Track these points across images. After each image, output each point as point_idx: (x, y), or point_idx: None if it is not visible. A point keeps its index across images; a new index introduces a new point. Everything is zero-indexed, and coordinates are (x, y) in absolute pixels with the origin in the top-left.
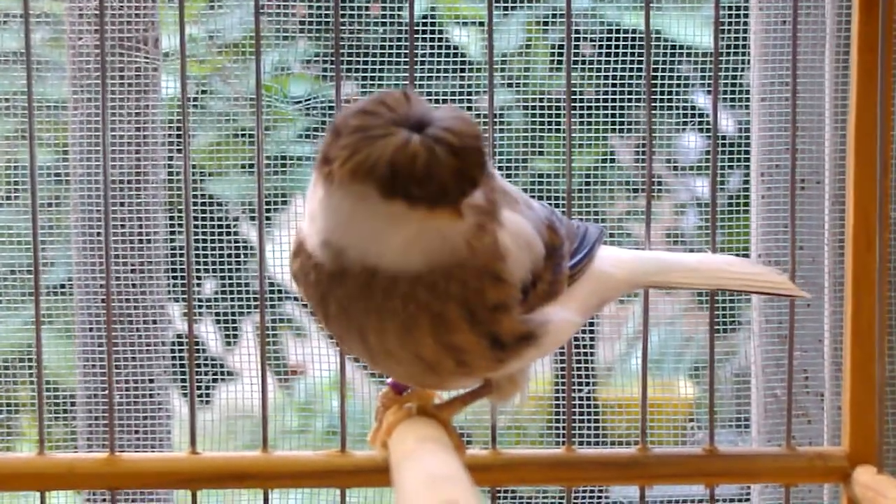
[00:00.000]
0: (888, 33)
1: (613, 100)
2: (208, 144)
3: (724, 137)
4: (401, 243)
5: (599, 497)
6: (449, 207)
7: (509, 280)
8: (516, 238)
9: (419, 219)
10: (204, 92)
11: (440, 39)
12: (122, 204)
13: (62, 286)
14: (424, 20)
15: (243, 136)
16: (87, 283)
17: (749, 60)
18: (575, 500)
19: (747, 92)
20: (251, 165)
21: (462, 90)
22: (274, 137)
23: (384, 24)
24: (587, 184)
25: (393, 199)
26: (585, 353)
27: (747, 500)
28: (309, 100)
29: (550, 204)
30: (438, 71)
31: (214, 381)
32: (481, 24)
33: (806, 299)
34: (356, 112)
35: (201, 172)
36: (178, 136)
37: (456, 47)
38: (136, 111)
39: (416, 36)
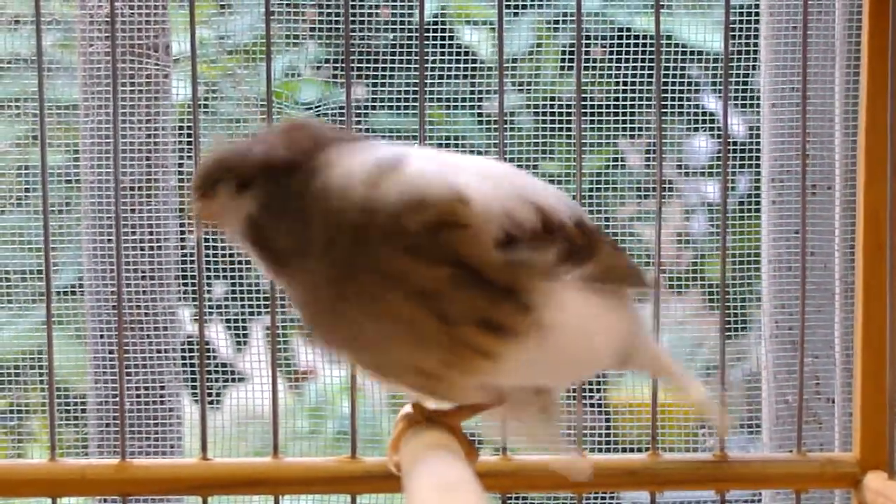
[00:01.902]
0: None
1: (623, 103)
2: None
3: (734, 141)
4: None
5: (610, 502)
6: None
7: (440, 199)
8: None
9: None
10: (214, 95)
11: (450, 43)
12: (132, 210)
13: (72, 289)
14: (434, 24)
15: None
16: (98, 289)
17: (759, 64)
18: None
19: (758, 95)
20: None
21: (472, 93)
22: None
23: (394, 28)
24: (597, 187)
25: None
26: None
27: None
28: (319, 105)
29: None
30: (448, 74)
31: (225, 385)
32: (491, 27)
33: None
34: None
35: None
36: (189, 140)
37: (466, 51)
38: (147, 117)
39: (425, 40)
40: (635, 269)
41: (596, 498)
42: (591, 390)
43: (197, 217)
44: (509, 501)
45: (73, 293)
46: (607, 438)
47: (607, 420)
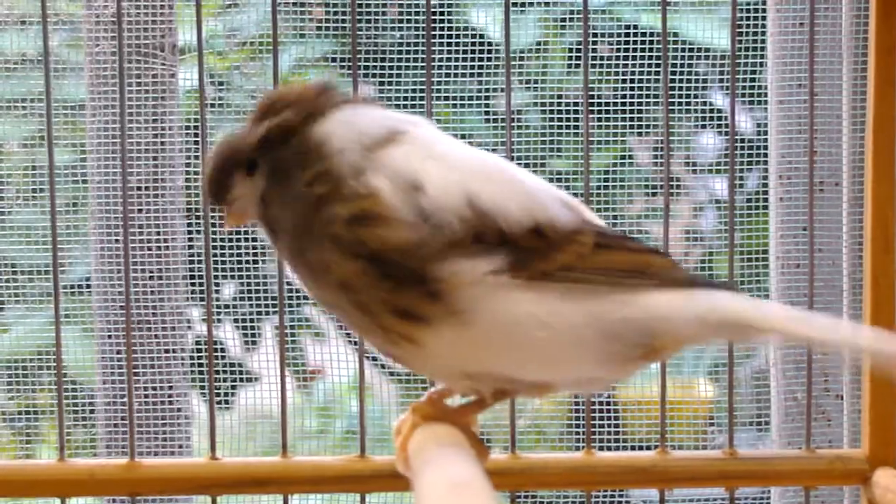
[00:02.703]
0: None
1: (631, 100)
2: None
3: (742, 138)
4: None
5: (619, 500)
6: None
7: (363, 194)
8: (391, 174)
9: None
10: (222, 88)
11: (458, 42)
12: (140, 210)
13: (80, 285)
14: (441, 21)
15: None
16: (105, 288)
17: (767, 61)
18: (595, 503)
19: (765, 92)
20: None
21: (479, 91)
22: None
23: (401, 26)
24: (605, 184)
25: None
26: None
27: (767, 502)
28: None
29: None
30: (456, 72)
31: (234, 384)
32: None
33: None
34: None
35: None
36: (196, 139)
37: (473, 49)
38: (154, 117)
39: (433, 37)
40: (648, 265)
41: (605, 495)
42: None
43: (227, 222)
44: (518, 499)
45: (83, 290)
46: (616, 436)
47: (616, 417)
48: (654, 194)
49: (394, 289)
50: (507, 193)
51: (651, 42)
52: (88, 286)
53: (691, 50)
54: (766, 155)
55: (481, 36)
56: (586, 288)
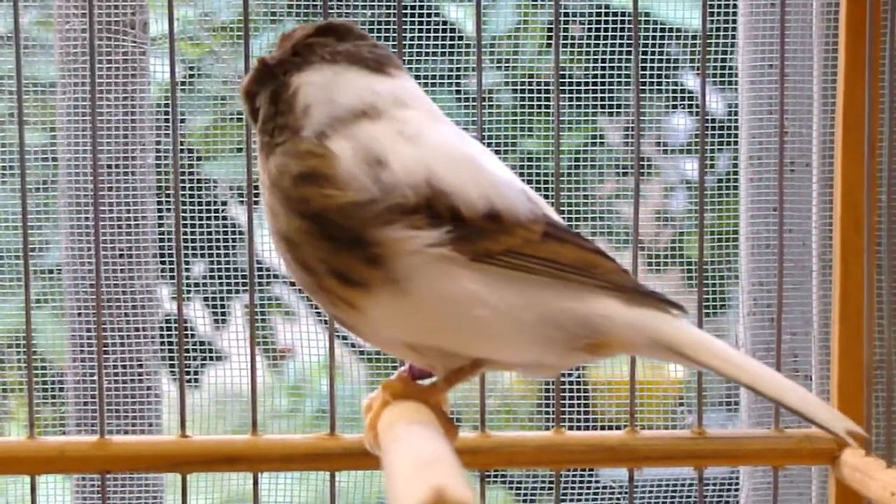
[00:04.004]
0: (876, 16)
1: (602, 80)
2: (201, 127)
3: (712, 119)
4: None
5: (588, 479)
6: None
7: (318, 153)
8: (354, 146)
9: None
10: (194, 73)
11: (429, 20)
12: (110, 188)
13: (53, 270)
14: (412, 0)
15: (236, 119)
16: (76, 267)
17: (737, 42)
18: (564, 482)
19: (736, 73)
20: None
21: (451, 71)
22: None
23: (373, 4)
24: (576, 164)
25: None
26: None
27: (736, 482)
28: None
29: (539, 185)
30: (427, 52)
31: (203, 363)
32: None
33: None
34: None
35: (195, 156)
36: (167, 114)
37: (445, 28)
38: (125, 95)
39: (404, 16)
40: (593, 265)
41: (574, 474)
42: (569, 368)
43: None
44: (488, 478)
45: (56, 274)
46: (586, 416)
47: (586, 398)
48: (624, 175)
49: (333, 249)
50: (468, 178)
51: (623, 23)
52: (59, 271)
53: (663, 31)
54: (736, 136)
55: (453, 23)
56: (528, 274)
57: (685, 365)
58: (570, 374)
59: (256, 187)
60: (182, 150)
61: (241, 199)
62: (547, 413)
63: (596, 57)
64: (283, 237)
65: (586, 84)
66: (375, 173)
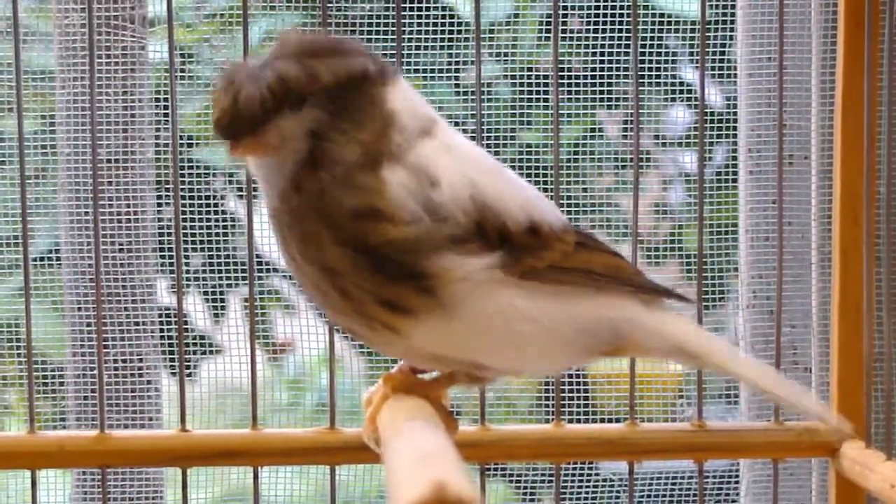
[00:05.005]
0: (875, 8)
1: (601, 73)
2: (195, 114)
3: (711, 111)
4: (264, 191)
5: (588, 472)
6: (230, 144)
7: (374, 187)
8: (413, 168)
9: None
10: (191, 60)
11: (427, 13)
12: (110, 182)
13: (48, 256)
14: None
15: None
16: (75, 261)
17: (736, 34)
18: (564, 476)
19: (735, 65)
20: None
21: (450, 63)
22: None
23: None
24: (574, 156)
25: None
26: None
27: (736, 474)
28: None
29: (538, 177)
30: (426, 44)
31: (203, 356)
32: None
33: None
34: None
35: (189, 142)
36: (166, 107)
37: (444, 20)
38: (124, 89)
39: (403, 7)
40: (619, 269)
41: (574, 468)
42: None
43: (249, 150)
44: (488, 471)
45: (50, 262)
46: (586, 409)
47: (586, 391)
48: (623, 167)
49: (384, 282)
50: (506, 191)
51: (622, 14)
52: (56, 258)
53: (661, 22)
54: (735, 128)
55: (451, 8)
56: (567, 286)
57: (698, 367)
58: (569, 368)
59: (255, 180)
60: (181, 144)
61: (240, 191)
62: (547, 406)
63: (595, 49)
64: (322, 266)
65: (585, 76)
66: (427, 195)
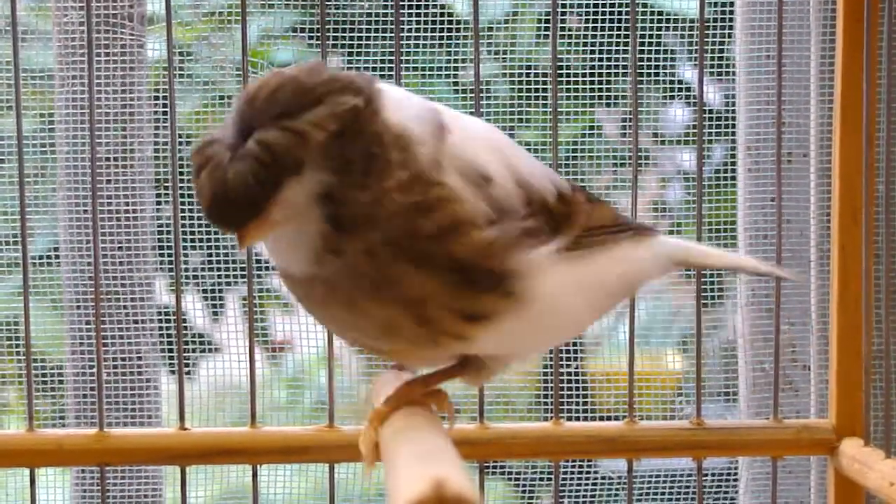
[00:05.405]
0: (874, 6)
1: (599, 71)
2: (193, 111)
3: (709, 109)
4: (278, 258)
5: (587, 470)
6: (237, 236)
7: (446, 198)
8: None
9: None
10: (188, 58)
11: (426, 11)
12: (108, 181)
13: (47, 256)
14: None
15: (227, 101)
16: (74, 259)
17: (735, 32)
18: (563, 473)
19: (733, 64)
20: None
21: (448, 61)
22: None
23: None
24: (573, 155)
25: None
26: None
27: (735, 472)
28: None
29: None
30: (425, 42)
31: (202, 355)
32: None
33: (790, 276)
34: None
35: (187, 140)
36: (165, 105)
37: (442, 19)
38: (122, 88)
39: (401, 6)
40: (618, 216)
41: (573, 465)
42: (568, 359)
43: (255, 235)
44: (486, 469)
45: (49, 261)
46: (584, 407)
47: (584, 389)
48: (621, 166)
49: (471, 295)
50: (529, 162)
51: (620, 13)
52: (55, 257)
53: (660, 21)
54: (734, 127)
55: (450, 7)
56: (597, 248)
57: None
58: (568, 366)
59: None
60: (180, 143)
61: None
62: (545, 404)
63: (593, 47)
64: (405, 301)
65: (583, 74)
66: (486, 192)
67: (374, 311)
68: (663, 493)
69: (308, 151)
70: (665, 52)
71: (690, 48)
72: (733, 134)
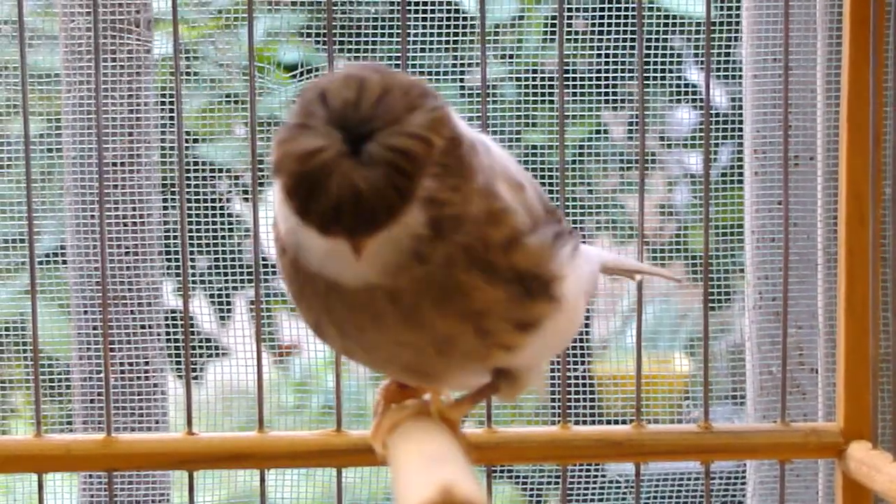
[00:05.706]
0: (880, 7)
1: (606, 73)
2: (199, 110)
3: (716, 112)
4: (338, 264)
5: (595, 474)
6: (347, 238)
7: (504, 209)
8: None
9: (326, 241)
10: (194, 57)
11: (433, 14)
12: (115, 186)
13: (53, 255)
14: None
15: (233, 101)
16: (81, 264)
17: (741, 35)
18: (570, 478)
19: (740, 66)
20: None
21: (455, 64)
22: (265, 103)
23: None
24: (580, 157)
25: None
26: (580, 330)
27: (743, 476)
28: (303, 73)
29: (543, 178)
30: (431, 45)
31: (210, 359)
32: None
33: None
34: (300, 102)
35: (193, 138)
36: (171, 107)
37: (449, 22)
38: (129, 93)
39: (408, 8)
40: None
41: (581, 469)
42: (575, 363)
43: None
44: (494, 473)
45: (55, 263)
46: (592, 410)
47: (592, 392)
48: (628, 168)
49: (528, 305)
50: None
51: (627, 15)
52: (56, 257)
53: (667, 24)
54: (740, 129)
55: (457, 9)
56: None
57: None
58: (575, 369)
59: (261, 182)
60: (186, 147)
61: (245, 194)
62: (553, 408)
63: (600, 49)
64: (471, 313)
65: (590, 77)
66: (522, 200)
67: (438, 323)
68: (671, 497)
69: (431, 156)
70: (672, 54)
71: (697, 51)
72: (740, 136)
